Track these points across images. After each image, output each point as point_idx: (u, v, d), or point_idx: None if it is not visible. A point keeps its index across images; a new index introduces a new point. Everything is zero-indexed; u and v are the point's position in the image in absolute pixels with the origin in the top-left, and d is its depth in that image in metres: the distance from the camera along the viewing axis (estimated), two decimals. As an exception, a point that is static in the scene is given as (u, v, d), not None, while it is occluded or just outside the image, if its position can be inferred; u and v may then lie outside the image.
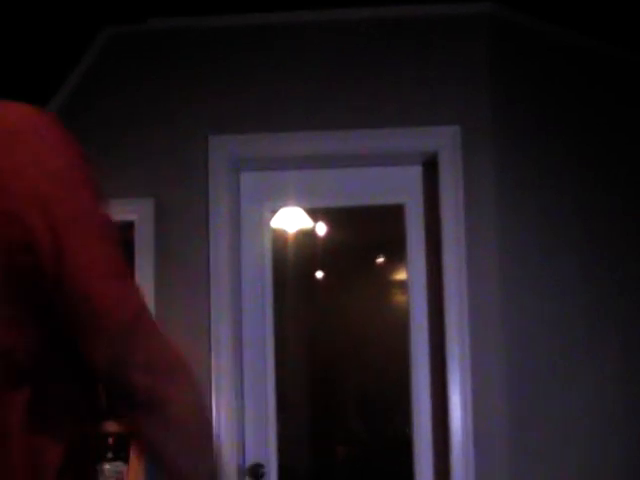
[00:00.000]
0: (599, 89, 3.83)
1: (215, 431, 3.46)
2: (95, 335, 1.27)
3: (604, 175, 3.75)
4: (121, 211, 3.60)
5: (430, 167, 3.66)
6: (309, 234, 4.90)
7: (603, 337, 3.64)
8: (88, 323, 1.27)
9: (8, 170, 1.25)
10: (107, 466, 3.15)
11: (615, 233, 3.72)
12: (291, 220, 4.90)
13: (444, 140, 3.57)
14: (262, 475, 3.64)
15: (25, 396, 1.25)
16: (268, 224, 3.85)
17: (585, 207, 3.67)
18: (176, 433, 1.31)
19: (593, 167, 3.73)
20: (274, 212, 3.91)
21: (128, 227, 3.60)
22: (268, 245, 3.82)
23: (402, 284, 3.90)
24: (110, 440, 3.21)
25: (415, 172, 3.74)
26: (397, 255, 3.95)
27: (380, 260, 4.54)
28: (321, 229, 4.72)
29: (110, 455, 3.19)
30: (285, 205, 3.96)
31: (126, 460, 3.19)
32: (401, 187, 3.76)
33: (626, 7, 3.53)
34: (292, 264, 5.08)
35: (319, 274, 5.01)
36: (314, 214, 4.54)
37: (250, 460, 3.65)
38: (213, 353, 3.51)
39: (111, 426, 3.25)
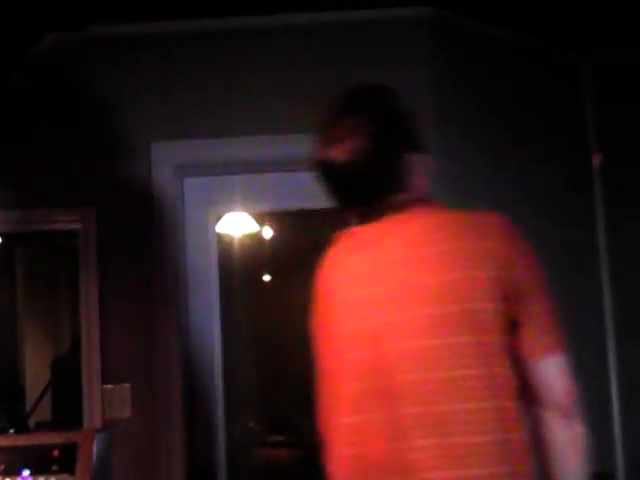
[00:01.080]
0: (534, 86, 3.90)
1: (163, 435, 3.46)
2: None
3: (538, 169, 3.84)
4: (64, 220, 3.59)
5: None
6: (255, 238, 4.90)
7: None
8: None
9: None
10: (53, 479, 3.11)
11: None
12: (237, 224, 4.90)
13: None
14: (211, 479, 3.63)
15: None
16: (213, 229, 3.84)
17: (517, 200, 3.72)
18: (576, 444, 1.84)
19: (529, 162, 3.81)
20: (219, 217, 3.90)
21: (71, 235, 3.58)
22: (214, 250, 3.81)
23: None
24: (56, 452, 3.17)
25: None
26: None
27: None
28: (267, 233, 4.73)
29: (56, 467, 3.15)
30: (230, 210, 3.96)
31: (73, 472, 3.16)
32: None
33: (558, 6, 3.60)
34: (239, 268, 5.08)
35: (266, 277, 5.02)
36: (260, 218, 4.55)
37: (198, 463, 3.64)
38: (159, 360, 3.49)
39: (57, 437, 3.23)
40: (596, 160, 4.01)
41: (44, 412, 3.89)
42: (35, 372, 4.20)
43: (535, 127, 3.88)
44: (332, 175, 2.02)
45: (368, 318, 1.88)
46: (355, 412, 1.88)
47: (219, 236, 3.92)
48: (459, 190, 3.58)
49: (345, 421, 1.91)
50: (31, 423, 3.62)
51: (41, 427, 3.65)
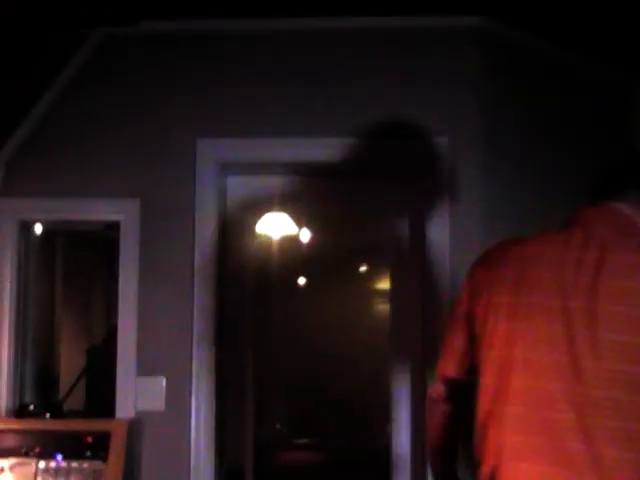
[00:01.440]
0: (582, 105, 3.88)
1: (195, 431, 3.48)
2: None
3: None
4: (107, 211, 3.63)
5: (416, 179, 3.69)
6: (293, 240, 4.92)
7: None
8: None
9: None
10: (86, 464, 3.16)
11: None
12: (276, 225, 4.93)
13: (433, 152, 3.59)
14: (239, 477, 3.65)
15: None
16: (253, 229, 3.86)
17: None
18: None
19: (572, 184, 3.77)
20: (259, 217, 3.93)
21: (114, 227, 3.62)
22: (252, 250, 3.83)
23: (384, 292, 3.92)
24: (89, 439, 3.21)
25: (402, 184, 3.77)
26: (381, 263, 3.97)
27: (363, 268, 4.56)
28: (305, 235, 4.74)
29: (89, 453, 3.19)
30: (270, 210, 3.98)
31: (105, 459, 3.20)
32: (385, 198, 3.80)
33: (611, 25, 3.59)
34: (276, 269, 5.10)
35: (301, 280, 5.04)
36: (299, 220, 4.58)
37: (227, 462, 3.66)
38: (195, 355, 3.52)
39: (91, 424, 3.27)
40: None
41: (77, 401, 3.93)
42: (70, 361, 4.24)
43: (582, 148, 3.85)
44: None
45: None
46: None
47: (258, 236, 3.94)
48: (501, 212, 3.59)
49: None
50: (64, 411, 3.65)
51: (74, 415, 3.68)
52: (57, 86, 3.68)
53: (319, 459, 4.67)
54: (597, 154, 3.82)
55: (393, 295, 3.79)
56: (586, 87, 3.93)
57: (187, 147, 3.63)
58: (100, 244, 4.40)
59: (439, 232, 3.56)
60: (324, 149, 3.61)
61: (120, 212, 3.61)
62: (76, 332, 4.44)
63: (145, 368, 3.54)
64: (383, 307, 4.07)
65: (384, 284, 4.01)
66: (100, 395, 3.78)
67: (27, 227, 3.75)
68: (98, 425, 3.31)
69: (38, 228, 3.86)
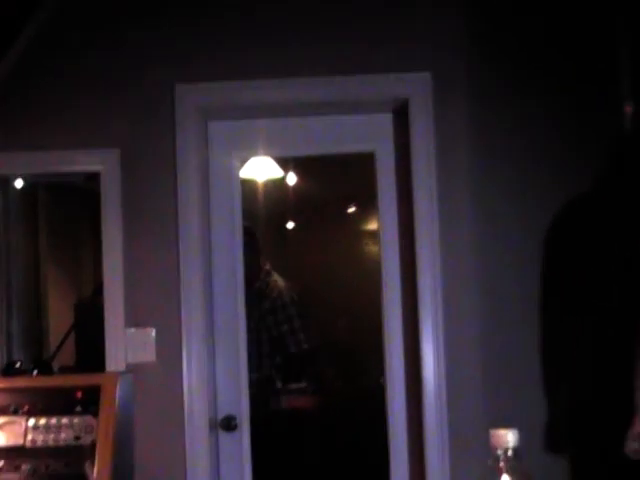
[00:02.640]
0: (574, 43, 3.76)
1: (187, 381, 3.45)
2: None
3: (577, 127, 3.69)
4: (86, 161, 3.55)
5: (401, 115, 3.61)
6: (279, 183, 4.86)
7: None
8: None
9: None
10: (76, 420, 3.12)
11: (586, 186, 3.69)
12: (261, 169, 4.86)
13: (415, 87, 3.52)
14: (234, 427, 3.63)
15: None
16: (237, 173, 3.79)
17: (556, 159, 3.62)
18: None
19: (567, 121, 3.67)
20: (243, 161, 3.85)
21: (94, 177, 3.54)
22: (237, 195, 3.76)
23: (374, 234, 3.86)
24: (79, 394, 3.17)
25: (386, 120, 3.70)
26: (369, 204, 3.90)
27: (352, 210, 4.50)
28: (291, 179, 4.68)
29: (79, 409, 3.15)
30: (254, 154, 3.91)
31: (96, 414, 3.16)
32: (372, 135, 3.72)
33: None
34: (262, 213, 5.06)
35: (290, 224, 4.99)
36: (284, 163, 4.51)
37: (222, 412, 3.63)
38: (183, 304, 3.47)
39: (80, 379, 3.22)
40: (627, 110, 3.87)
41: (67, 357, 3.88)
42: (58, 316, 4.19)
43: (571, 80, 3.73)
44: None
45: None
46: None
47: (243, 181, 3.87)
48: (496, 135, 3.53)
49: None
50: (54, 367, 3.61)
51: (64, 371, 3.64)
52: (26, 34, 3.57)
53: (315, 403, 4.65)
54: (586, 91, 3.73)
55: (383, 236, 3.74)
56: (571, 24, 3.78)
57: (165, 92, 3.55)
58: (84, 196, 4.32)
59: (425, 169, 3.49)
60: (308, 88, 3.54)
61: (99, 162, 3.53)
62: (64, 287, 4.38)
63: (134, 320, 3.49)
64: (374, 249, 4.01)
65: (373, 225, 3.94)
66: (91, 350, 3.74)
67: (5, 182, 3.67)
68: (87, 380, 3.27)
69: (18, 182, 3.79)
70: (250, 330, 3.75)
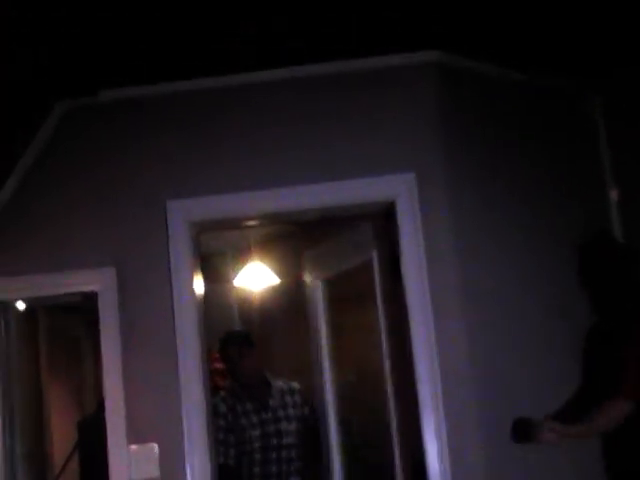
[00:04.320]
0: (547, 124, 3.90)
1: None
2: None
3: (555, 206, 3.81)
4: (83, 282, 3.61)
5: (388, 216, 3.68)
6: (273, 290, 4.92)
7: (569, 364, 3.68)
8: None
9: None
10: None
11: (568, 264, 3.77)
12: (256, 277, 4.92)
13: (400, 188, 3.59)
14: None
15: None
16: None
17: (536, 238, 3.71)
18: None
19: (544, 200, 3.78)
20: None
21: (93, 297, 3.60)
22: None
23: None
24: None
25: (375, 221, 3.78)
26: (368, 302, 3.94)
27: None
28: (283, 285, 4.74)
29: None
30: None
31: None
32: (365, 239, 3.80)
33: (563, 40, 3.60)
34: (258, 321, 5.10)
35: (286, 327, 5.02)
36: (277, 268, 4.59)
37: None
38: (185, 418, 3.48)
39: None
40: (613, 195, 3.99)
41: (72, 477, 3.89)
42: (61, 435, 4.20)
43: (548, 161, 3.86)
44: None
45: None
46: None
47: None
48: (481, 228, 3.60)
49: None
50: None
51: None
52: (23, 163, 3.68)
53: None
54: (560, 173, 3.85)
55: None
56: (544, 106, 3.94)
57: (157, 209, 3.62)
58: (83, 315, 4.37)
59: (414, 264, 3.55)
60: (293, 198, 3.61)
61: (96, 282, 3.59)
62: (66, 405, 4.41)
63: (137, 436, 3.50)
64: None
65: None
66: (95, 468, 3.73)
67: (5, 306, 3.72)
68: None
69: (20, 305, 3.84)
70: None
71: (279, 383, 4.48)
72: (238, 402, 4.35)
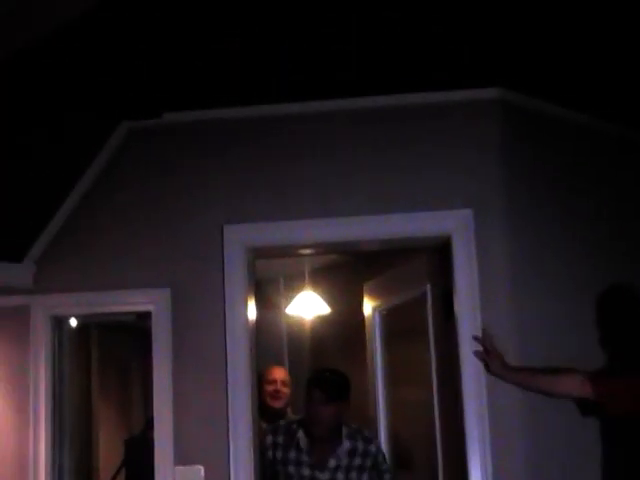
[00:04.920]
0: (610, 169, 3.86)
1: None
2: None
3: (614, 254, 3.75)
4: (138, 301, 3.65)
5: (443, 251, 3.68)
6: (325, 319, 4.93)
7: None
8: None
9: None
10: None
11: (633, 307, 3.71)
12: (307, 305, 4.94)
13: (457, 223, 3.59)
14: None
15: None
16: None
17: (594, 286, 3.66)
18: None
19: (605, 246, 3.74)
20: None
21: (146, 316, 3.63)
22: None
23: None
24: None
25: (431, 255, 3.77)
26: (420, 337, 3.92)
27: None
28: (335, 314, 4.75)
29: None
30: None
31: None
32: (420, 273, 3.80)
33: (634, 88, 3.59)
34: (308, 349, 5.10)
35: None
36: (330, 298, 4.60)
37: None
38: (232, 442, 3.49)
39: None
40: None
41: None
42: (109, 452, 4.23)
43: (610, 208, 3.83)
44: None
45: None
46: None
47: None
48: (537, 271, 3.58)
49: None
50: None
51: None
52: (85, 182, 3.75)
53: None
54: (625, 218, 3.81)
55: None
56: (607, 150, 3.90)
57: (215, 233, 3.66)
58: (135, 334, 4.41)
59: (468, 301, 3.53)
60: (351, 228, 3.62)
61: (151, 302, 3.63)
62: (115, 422, 4.45)
63: (183, 457, 3.52)
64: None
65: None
66: (140, 486, 3.76)
67: (60, 322, 3.78)
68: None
69: (73, 321, 3.89)
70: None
71: (351, 443, 3.79)
72: (294, 447, 3.79)
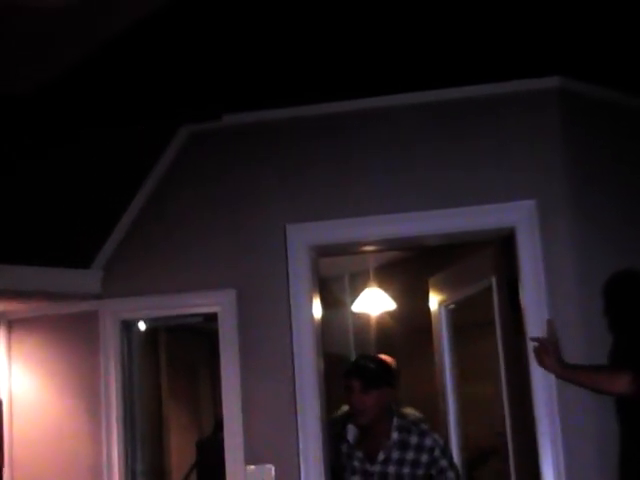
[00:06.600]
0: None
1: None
2: None
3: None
4: (205, 303, 3.68)
5: (508, 243, 3.64)
6: (391, 316, 4.92)
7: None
8: None
9: None
10: None
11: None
12: (373, 302, 4.93)
13: (521, 215, 3.55)
14: None
15: None
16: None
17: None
18: None
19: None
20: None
21: (213, 318, 3.66)
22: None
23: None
24: None
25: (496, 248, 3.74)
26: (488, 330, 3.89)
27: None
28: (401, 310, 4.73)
29: None
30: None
31: None
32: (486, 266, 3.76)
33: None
34: (374, 346, 5.09)
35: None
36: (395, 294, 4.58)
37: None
38: (301, 440, 3.50)
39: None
40: None
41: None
42: (180, 454, 4.27)
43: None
44: None
45: None
46: None
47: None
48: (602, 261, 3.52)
49: None
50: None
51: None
52: (147, 187, 3.79)
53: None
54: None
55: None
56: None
57: (277, 233, 3.67)
58: (202, 336, 4.45)
59: (534, 293, 3.49)
60: (413, 223, 3.61)
61: (217, 304, 3.66)
62: (185, 425, 4.48)
63: (253, 457, 3.54)
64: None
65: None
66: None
67: (128, 326, 3.82)
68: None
69: (141, 325, 3.94)
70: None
71: (401, 435, 3.69)
72: (344, 440, 3.76)
